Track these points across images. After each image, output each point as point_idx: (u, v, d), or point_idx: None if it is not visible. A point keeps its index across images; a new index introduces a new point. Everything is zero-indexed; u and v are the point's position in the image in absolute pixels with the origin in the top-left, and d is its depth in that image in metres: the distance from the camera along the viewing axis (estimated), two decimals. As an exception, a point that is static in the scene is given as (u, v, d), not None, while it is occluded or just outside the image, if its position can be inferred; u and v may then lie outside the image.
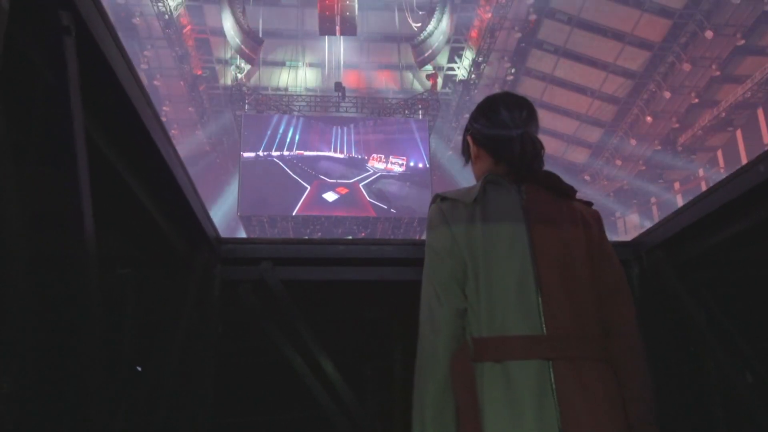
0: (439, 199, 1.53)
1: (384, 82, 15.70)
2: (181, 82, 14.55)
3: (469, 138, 1.62)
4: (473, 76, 15.10)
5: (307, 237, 14.41)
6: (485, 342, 1.36)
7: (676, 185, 18.00)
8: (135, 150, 1.43)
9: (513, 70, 15.16)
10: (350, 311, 2.37)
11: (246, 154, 14.12)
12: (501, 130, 1.53)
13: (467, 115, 16.13)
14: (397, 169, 14.59)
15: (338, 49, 14.46)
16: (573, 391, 1.29)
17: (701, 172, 16.93)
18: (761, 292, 2.17)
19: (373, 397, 2.38)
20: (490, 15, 13.43)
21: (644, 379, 1.41)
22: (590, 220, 1.52)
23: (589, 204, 1.58)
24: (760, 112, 14.23)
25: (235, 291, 2.10)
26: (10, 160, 1.14)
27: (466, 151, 1.65)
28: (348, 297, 2.29)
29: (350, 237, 14.09)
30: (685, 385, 2.09)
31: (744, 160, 14.61)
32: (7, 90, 1.15)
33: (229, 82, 14.69)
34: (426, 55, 13.91)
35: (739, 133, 15.32)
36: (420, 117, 15.10)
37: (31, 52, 1.20)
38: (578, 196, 1.59)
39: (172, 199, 1.70)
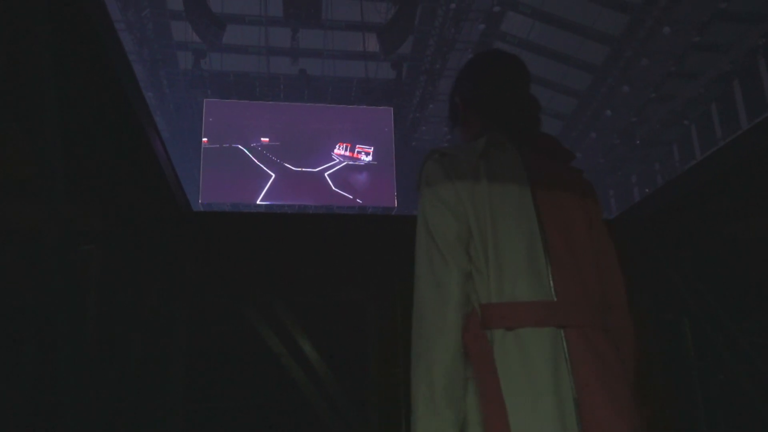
0: (438, 154, 1.40)
1: (349, 70, 15.54)
2: (140, 66, 14.10)
3: (458, 99, 1.53)
4: (437, 66, 15.09)
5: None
6: (495, 308, 1.27)
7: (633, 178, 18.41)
8: (106, 108, 1.32)
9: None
10: (329, 291, 2.30)
11: (208, 141, 13.80)
12: (494, 90, 1.45)
13: (432, 106, 16.02)
14: (363, 158, 14.49)
15: (303, 35, 14.22)
16: (585, 359, 1.26)
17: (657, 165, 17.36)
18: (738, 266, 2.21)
19: (351, 379, 2.33)
20: (454, 5, 13.42)
21: (632, 353, 1.42)
22: (586, 188, 1.48)
23: (580, 172, 1.51)
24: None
25: (208, 268, 2.01)
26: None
27: (453, 114, 1.55)
28: (327, 276, 2.23)
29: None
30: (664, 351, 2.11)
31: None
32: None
33: (190, 66, 14.29)
34: (391, 44, 13.81)
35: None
36: (385, 106, 15.02)
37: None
38: None
39: (145, 167, 1.59)
